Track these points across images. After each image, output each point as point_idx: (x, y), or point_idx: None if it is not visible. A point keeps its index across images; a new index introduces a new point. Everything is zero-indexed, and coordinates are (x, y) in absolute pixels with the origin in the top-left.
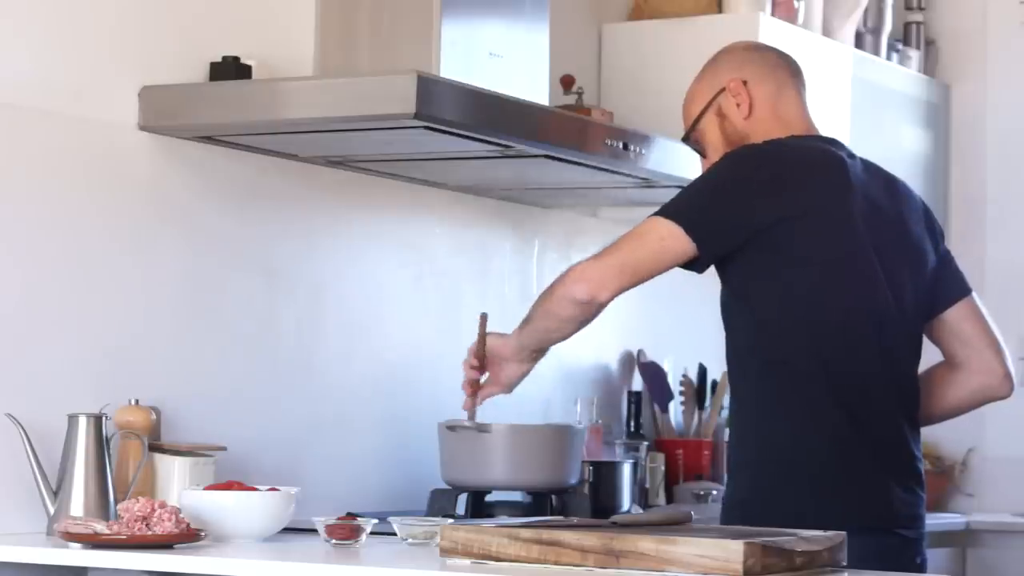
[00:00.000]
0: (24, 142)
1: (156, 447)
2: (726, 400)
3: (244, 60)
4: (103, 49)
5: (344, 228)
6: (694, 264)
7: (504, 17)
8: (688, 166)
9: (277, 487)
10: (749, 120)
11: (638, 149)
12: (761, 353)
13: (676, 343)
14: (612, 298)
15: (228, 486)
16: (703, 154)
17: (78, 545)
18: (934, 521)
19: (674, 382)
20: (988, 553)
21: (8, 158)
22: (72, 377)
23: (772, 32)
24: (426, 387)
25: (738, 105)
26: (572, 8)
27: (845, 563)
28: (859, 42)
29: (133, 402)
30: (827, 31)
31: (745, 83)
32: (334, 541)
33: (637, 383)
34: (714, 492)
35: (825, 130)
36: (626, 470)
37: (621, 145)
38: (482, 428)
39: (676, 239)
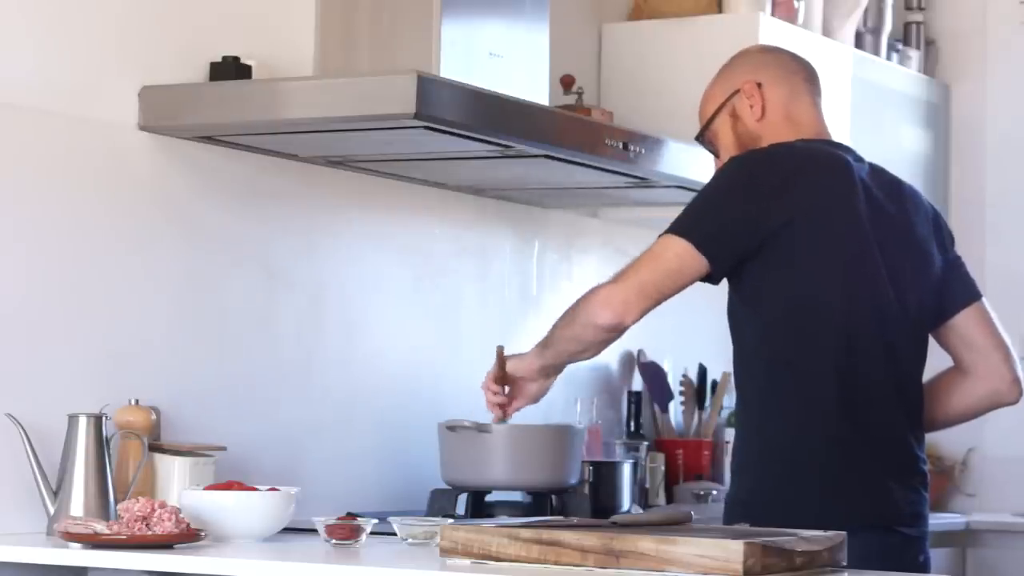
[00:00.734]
0: (24, 142)
1: (156, 447)
2: (726, 400)
3: (244, 60)
4: (103, 49)
5: (344, 228)
6: (709, 278)
7: (504, 17)
8: (688, 166)
9: (277, 487)
10: (761, 122)
11: (638, 149)
12: (767, 354)
13: (676, 343)
14: (637, 321)
15: (228, 486)
16: (716, 154)
17: (78, 545)
18: (934, 521)
19: (674, 382)
20: (988, 553)
21: (8, 158)
22: (72, 377)
23: (772, 32)
24: (426, 387)
25: (751, 107)
26: (572, 8)
27: (845, 563)
28: (859, 42)
29: (133, 402)
30: (827, 31)
31: (759, 85)
32: (334, 541)
33: (637, 383)
34: (714, 492)
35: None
36: (626, 470)
37: (621, 145)
38: (482, 428)
39: (691, 257)
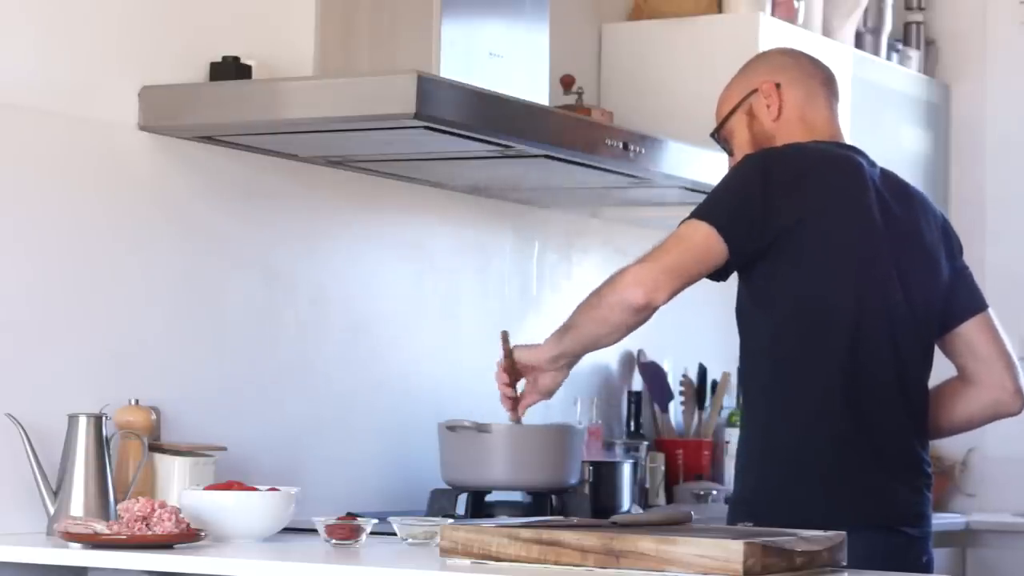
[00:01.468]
0: (24, 142)
1: (156, 447)
2: (726, 400)
3: (244, 60)
4: (103, 49)
5: (344, 228)
6: (721, 271)
7: (504, 17)
8: (688, 166)
9: (277, 487)
10: (777, 123)
11: (638, 149)
12: (774, 353)
13: (676, 343)
14: (667, 301)
15: (228, 486)
16: (730, 152)
17: (78, 545)
18: (934, 521)
19: (674, 382)
20: (988, 553)
21: (8, 158)
22: (72, 377)
23: (772, 32)
24: (426, 387)
25: (768, 106)
26: (572, 8)
27: (845, 563)
28: (859, 42)
29: (133, 402)
30: (827, 31)
31: (778, 86)
32: (334, 541)
33: (637, 383)
34: (714, 492)
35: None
36: (626, 470)
37: (621, 145)
38: (482, 428)
39: (715, 241)
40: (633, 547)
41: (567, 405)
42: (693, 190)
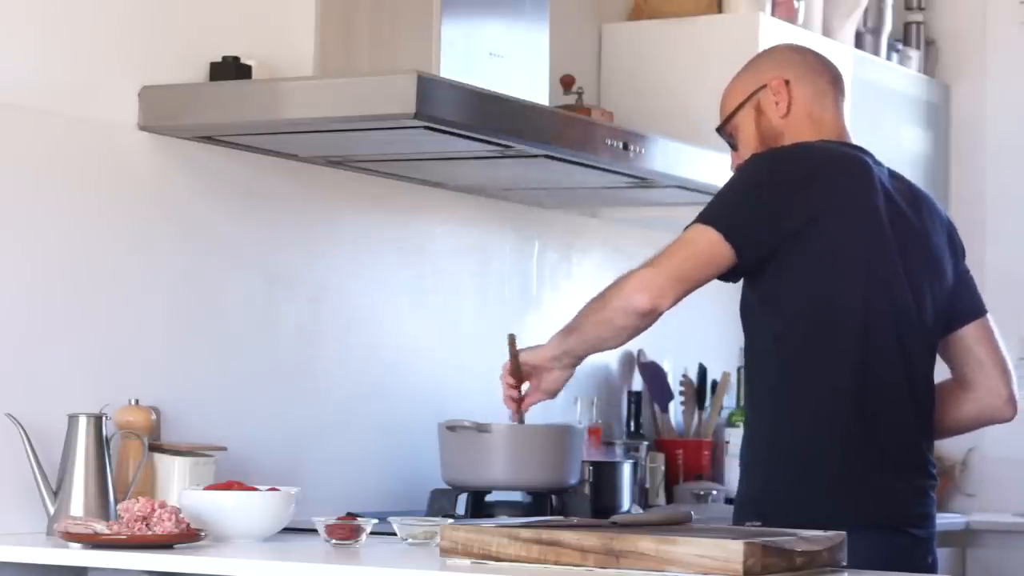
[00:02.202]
0: (25, 142)
1: (156, 447)
2: (726, 400)
3: (244, 60)
4: (103, 49)
5: (344, 228)
6: (730, 273)
7: (504, 17)
8: (688, 166)
9: (277, 487)
10: (786, 119)
11: (638, 149)
12: (782, 353)
13: (676, 343)
14: (671, 307)
15: (228, 486)
16: (734, 147)
17: (78, 545)
18: None
19: (674, 382)
20: (988, 553)
21: (8, 158)
22: (72, 377)
23: (772, 32)
24: (426, 387)
25: (777, 103)
26: (572, 8)
27: (845, 563)
28: (859, 42)
29: (133, 402)
30: (827, 31)
31: (787, 83)
32: (334, 541)
33: (637, 383)
34: (714, 492)
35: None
36: (626, 470)
37: (621, 145)
38: (482, 428)
39: (721, 246)
40: (633, 547)
41: (567, 405)
42: (693, 190)
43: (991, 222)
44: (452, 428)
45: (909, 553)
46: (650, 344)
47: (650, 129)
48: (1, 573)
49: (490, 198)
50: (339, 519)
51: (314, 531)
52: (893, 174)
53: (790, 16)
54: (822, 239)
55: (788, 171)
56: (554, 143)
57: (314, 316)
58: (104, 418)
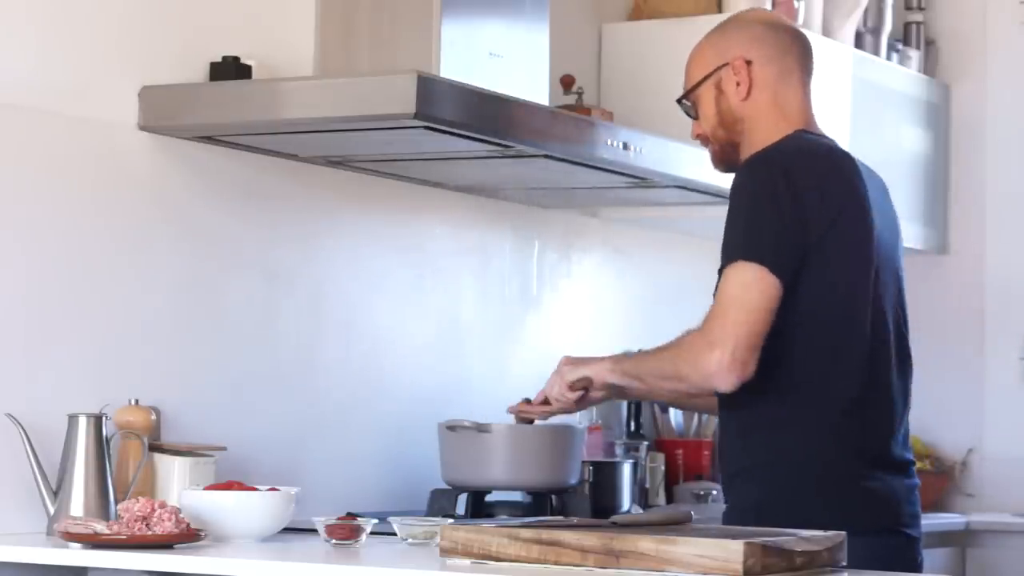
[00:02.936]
0: (24, 142)
1: (156, 447)
2: None
3: (244, 60)
4: (103, 49)
5: (344, 228)
6: None
7: (504, 17)
8: (688, 166)
9: (277, 487)
10: (746, 102)
11: (638, 149)
12: (787, 363)
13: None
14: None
15: (228, 486)
16: (695, 117)
17: (78, 545)
18: (934, 521)
19: None
20: (988, 553)
21: (8, 158)
22: (72, 377)
23: None
24: (426, 387)
25: (738, 84)
26: (572, 8)
27: (845, 563)
28: (859, 42)
29: (133, 402)
30: (827, 31)
31: (749, 63)
32: (334, 541)
33: None
34: (714, 492)
35: (826, 130)
36: (626, 470)
37: (621, 145)
38: (482, 428)
39: (770, 283)
40: (633, 547)
41: None
42: (693, 190)
43: (991, 222)
44: (452, 428)
45: (903, 553)
46: (650, 344)
47: (650, 129)
48: (1, 573)
49: (490, 198)
50: (339, 519)
51: (314, 531)
52: (865, 166)
53: (790, 16)
54: (835, 247)
55: (801, 177)
56: (554, 143)
57: (314, 316)
58: (104, 418)
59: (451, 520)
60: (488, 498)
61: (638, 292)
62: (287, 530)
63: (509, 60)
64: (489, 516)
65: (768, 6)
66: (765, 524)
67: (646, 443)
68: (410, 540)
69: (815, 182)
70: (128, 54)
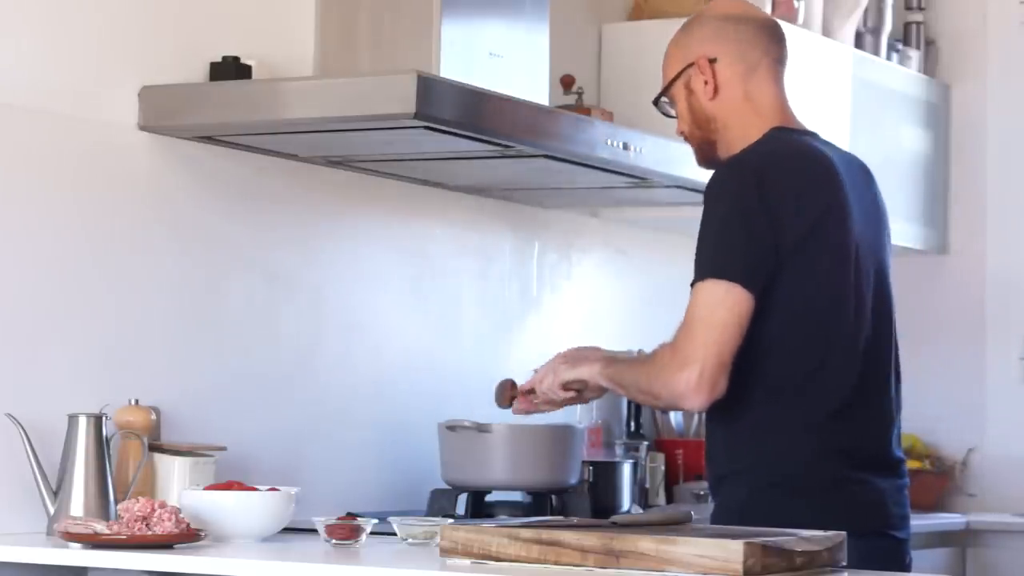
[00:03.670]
0: (24, 142)
1: (156, 447)
2: None
3: (244, 60)
4: (103, 49)
5: (344, 228)
6: None
7: (504, 17)
8: (688, 166)
9: (277, 487)
10: (715, 101)
11: (638, 149)
12: (771, 366)
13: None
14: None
15: (228, 486)
16: (673, 117)
17: (78, 545)
18: (934, 521)
19: None
20: (988, 553)
21: (8, 158)
22: (72, 377)
23: None
24: (426, 387)
25: (705, 82)
26: (572, 8)
27: (845, 563)
28: (859, 42)
29: (133, 402)
30: (827, 31)
31: (712, 62)
32: (334, 541)
33: None
34: None
35: (825, 130)
36: (626, 470)
37: (621, 145)
38: (482, 428)
39: (742, 300)
40: (633, 547)
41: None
42: (693, 190)
43: (991, 222)
44: (452, 428)
45: (891, 555)
46: (650, 344)
47: (650, 129)
48: (1, 573)
49: (490, 198)
50: (339, 519)
51: (314, 531)
52: (843, 155)
53: (790, 16)
54: (815, 251)
55: (774, 187)
56: (554, 143)
57: (314, 316)
58: (104, 418)
59: (451, 520)
60: (488, 498)
61: (638, 292)
62: (287, 530)
63: (509, 60)
64: (489, 516)
65: (768, 7)
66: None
67: (646, 443)
68: (410, 540)
69: (790, 188)
70: (128, 54)
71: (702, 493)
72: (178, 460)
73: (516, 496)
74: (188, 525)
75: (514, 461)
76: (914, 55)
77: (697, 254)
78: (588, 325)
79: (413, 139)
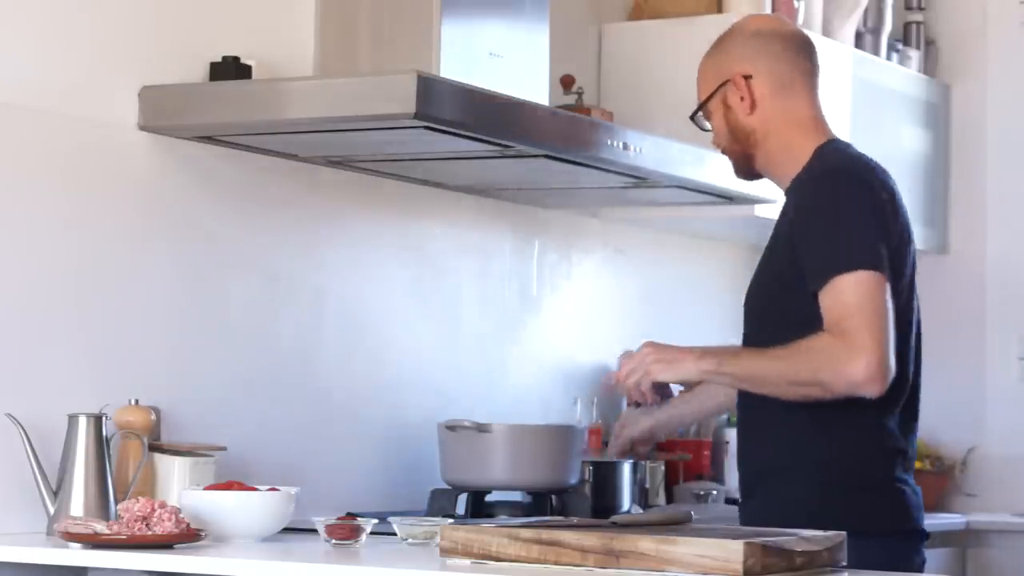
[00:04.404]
0: (24, 142)
1: (156, 447)
2: None
3: (244, 60)
4: (103, 49)
5: (344, 228)
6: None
7: (504, 17)
8: (688, 166)
9: (277, 487)
10: (753, 116)
11: (638, 149)
12: None
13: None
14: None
15: (228, 486)
16: (709, 131)
17: (78, 545)
18: (934, 521)
19: None
20: (988, 553)
21: (8, 158)
22: (72, 377)
23: None
24: (426, 387)
25: (742, 99)
26: (572, 8)
27: (845, 563)
28: (859, 42)
29: (133, 402)
30: (827, 31)
31: (748, 78)
32: (334, 541)
33: None
34: (714, 492)
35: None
36: (626, 470)
37: (621, 145)
38: (482, 428)
39: (884, 284)
40: (633, 547)
41: (567, 405)
42: (693, 190)
43: (991, 222)
44: (452, 428)
45: (915, 552)
46: None
47: (650, 129)
48: (1, 573)
49: (490, 198)
50: (339, 519)
51: (314, 531)
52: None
53: (790, 16)
54: (898, 252)
55: (878, 194)
56: (554, 143)
57: (314, 316)
58: (104, 418)
59: (451, 520)
60: (488, 498)
61: (638, 292)
62: (287, 530)
63: (509, 60)
64: (489, 516)
65: (768, 7)
66: (804, 522)
67: None
68: (410, 540)
69: (888, 200)
70: (128, 54)
71: (702, 493)
72: (178, 460)
73: (516, 496)
74: (188, 525)
75: (514, 461)
76: (914, 55)
77: (823, 253)
78: (588, 325)
79: (413, 139)
